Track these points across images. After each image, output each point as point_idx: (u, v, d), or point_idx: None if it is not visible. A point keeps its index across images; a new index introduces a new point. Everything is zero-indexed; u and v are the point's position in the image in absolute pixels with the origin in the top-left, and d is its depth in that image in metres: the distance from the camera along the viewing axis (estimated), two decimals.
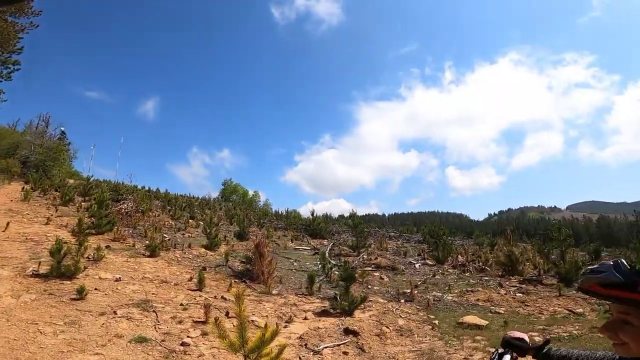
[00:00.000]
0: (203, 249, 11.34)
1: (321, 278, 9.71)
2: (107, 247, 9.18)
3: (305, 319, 6.46)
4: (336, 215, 35.59)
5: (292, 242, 15.93)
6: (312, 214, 18.34)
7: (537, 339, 5.73)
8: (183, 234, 13.32)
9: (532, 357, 1.17)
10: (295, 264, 11.86)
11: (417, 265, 12.20)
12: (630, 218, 62.94)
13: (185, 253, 10.62)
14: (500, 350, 1.23)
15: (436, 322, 6.55)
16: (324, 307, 7.21)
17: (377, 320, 6.44)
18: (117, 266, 8.12)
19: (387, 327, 6.11)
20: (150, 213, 13.78)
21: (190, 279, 8.08)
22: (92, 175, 20.91)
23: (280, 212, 27.89)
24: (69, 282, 6.21)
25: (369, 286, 9.53)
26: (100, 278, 6.98)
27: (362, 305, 7.05)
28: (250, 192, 43.38)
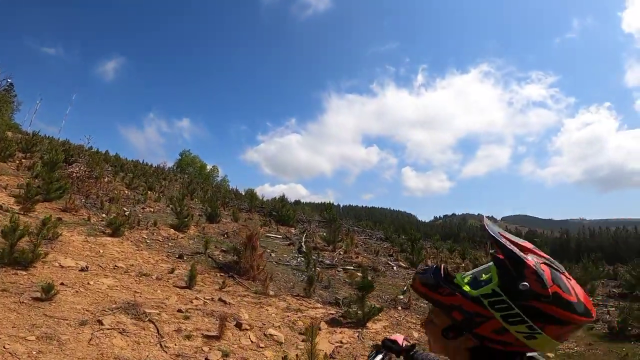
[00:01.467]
0: (172, 230, 9.87)
1: (310, 275, 9.04)
2: (59, 219, 7.37)
3: (319, 329, 5.79)
4: (292, 200, 34.90)
5: (260, 228, 14.90)
6: (282, 198, 17.41)
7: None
8: (143, 208, 11.53)
9: (404, 358, 1.26)
10: (273, 255, 10.99)
11: (394, 268, 12.17)
12: (556, 234, 72.49)
13: (153, 234, 9.11)
14: (375, 351, 1.32)
15: None
16: (331, 314, 6.61)
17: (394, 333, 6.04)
18: (77, 248, 6.53)
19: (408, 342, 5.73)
20: (102, 179, 11.60)
21: (172, 271, 6.83)
22: (38, 131, 17.58)
23: (236, 190, 26.25)
24: (24, 273, 4.68)
25: None
26: (61, 266, 5.46)
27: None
28: (209, 167, 40.31)
